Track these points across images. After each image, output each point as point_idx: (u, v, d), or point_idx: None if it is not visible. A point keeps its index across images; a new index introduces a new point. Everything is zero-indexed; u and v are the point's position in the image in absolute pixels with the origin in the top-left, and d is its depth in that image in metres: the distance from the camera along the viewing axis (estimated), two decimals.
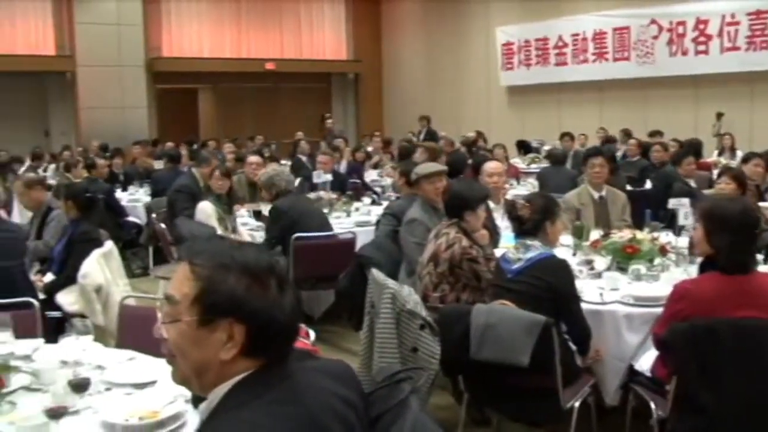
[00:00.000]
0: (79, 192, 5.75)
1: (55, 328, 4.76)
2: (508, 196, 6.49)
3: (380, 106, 22.42)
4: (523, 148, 14.89)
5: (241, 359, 1.67)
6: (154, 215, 8.36)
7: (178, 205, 7.66)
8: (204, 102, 21.78)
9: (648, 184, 9.27)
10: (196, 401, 2.24)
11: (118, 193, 10.20)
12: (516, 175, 10.80)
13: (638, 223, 5.83)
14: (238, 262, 1.68)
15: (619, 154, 11.76)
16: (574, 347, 3.94)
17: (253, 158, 9.09)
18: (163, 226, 7.66)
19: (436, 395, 4.50)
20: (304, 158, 12.09)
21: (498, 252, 4.70)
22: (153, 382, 3.04)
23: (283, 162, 11.52)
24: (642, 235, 5.03)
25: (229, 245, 1.74)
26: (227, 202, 7.10)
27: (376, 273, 4.28)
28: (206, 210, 6.90)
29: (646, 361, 3.85)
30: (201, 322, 1.66)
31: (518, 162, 13.18)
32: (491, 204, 5.63)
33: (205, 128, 20.97)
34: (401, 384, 1.90)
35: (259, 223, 7.24)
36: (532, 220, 4.00)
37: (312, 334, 3.54)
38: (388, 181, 10.19)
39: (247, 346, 1.66)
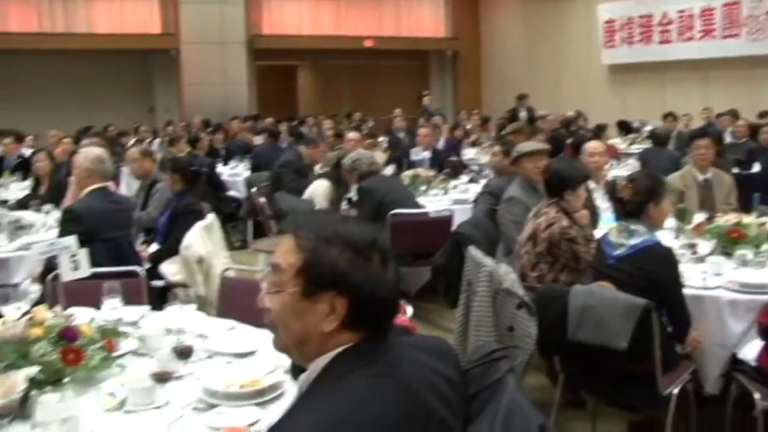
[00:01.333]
0: (184, 165, 5.92)
1: (158, 297, 4.93)
2: (609, 177, 6.36)
3: (478, 84, 22.15)
4: (624, 128, 14.52)
5: (342, 332, 1.69)
6: (254, 189, 8.52)
7: (285, 178, 7.80)
8: (303, 79, 22.03)
9: (756, 167, 8.93)
10: (295, 372, 2.29)
11: (219, 168, 10.42)
12: (615, 155, 10.55)
13: (745, 208, 5.63)
14: (341, 235, 1.70)
15: (726, 136, 11.36)
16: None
17: (352, 134, 9.17)
18: (263, 200, 7.81)
19: (531, 375, 4.46)
20: (400, 135, 12.10)
21: (598, 233, 4.61)
22: (253, 352, 3.11)
23: (380, 139, 11.56)
24: (749, 219, 4.86)
25: (333, 219, 1.77)
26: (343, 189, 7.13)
27: (473, 251, 4.26)
28: (321, 189, 7.00)
29: (751, 350, 3.73)
30: (304, 294, 1.68)
31: (618, 142, 12.87)
32: (591, 184, 5.53)
33: (303, 104, 21.23)
34: (498, 363, 1.89)
35: None
36: (635, 202, 3.87)
37: (409, 311, 3.56)
38: (485, 159, 10.12)
39: (348, 319, 1.68)
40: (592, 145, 6.15)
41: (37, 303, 3.66)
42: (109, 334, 3.03)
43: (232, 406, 2.56)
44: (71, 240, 3.62)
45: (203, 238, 5.24)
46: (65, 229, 4.58)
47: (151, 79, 19.48)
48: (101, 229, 4.65)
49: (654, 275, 3.69)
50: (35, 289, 4.56)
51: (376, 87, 20.93)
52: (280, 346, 1.77)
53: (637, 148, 11.79)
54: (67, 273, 3.57)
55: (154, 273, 5.33)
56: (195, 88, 18.19)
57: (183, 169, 5.77)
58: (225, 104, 17.71)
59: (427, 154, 9.13)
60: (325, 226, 1.73)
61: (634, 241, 3.79)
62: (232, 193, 9.61)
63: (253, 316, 3.34)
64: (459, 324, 4.24)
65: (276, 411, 2.52)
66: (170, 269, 5.37)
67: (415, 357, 1.76)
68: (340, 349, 1.69)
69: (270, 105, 19.17)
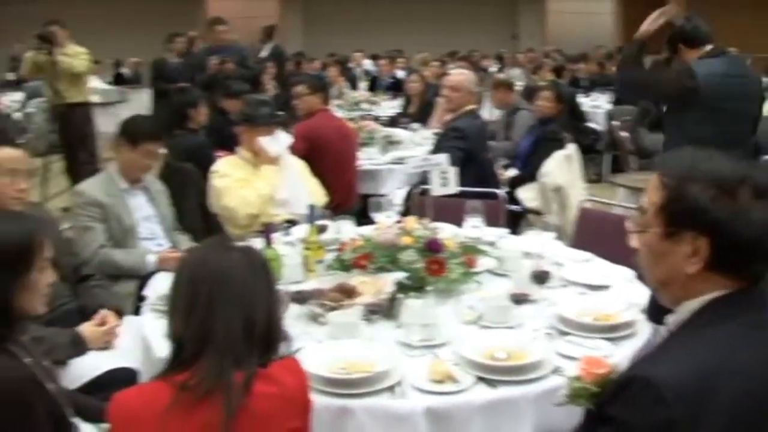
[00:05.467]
0: (565, 92, 5.95)
1: (513, 221, 5.05)
2: None
3: None
4: None
5: (710, 275, 1.61)
6: (615, 122, 8.32)
7: (652, 113, 7.54)
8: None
9: None
10: (651, 313, 2.23)
11: (580, 98, 10.30)
12: None
13: None
14: (706, 171, 1.60)
15: None
16: None
17: None
18: (625, 134, 7.61)
19: None
20: None
21: None
22: (607, 287, 3.08)
23: None
24: None
25: (702, 155, 1.66)
26: None
27: None
28: None
29: None
30: (665, 234, 1.63)
31: None
32: None
33: None
34: None
35: None
36: None
37: None
38: None
39: (713, 261, 1.59)
40: None
41: (403, 214, 3.93)
42: (470, 251, 3.17)
43: (584, 337, 2.56)
44: (443, 157, 3.82)
45: (562, 167, 5.25)
46: (448, 144, 4.82)
47: (517, 5, 19.59)
48: (476, 149, 4.83)
49: None
50: (400, 201, 4.88)
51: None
52: (651, 286, 1.75)
53: None
54: (436, 188, 3.78)
55: (510, 197, 5.45)
56: (559, 16, 18.01)
57: (562, 95, 5.81)
58: (588, 34, 17.36)
59: None
60: (689, 162, 1.64)
61: None
62: (591, 124, 9.47)
63: (609, 250, 3.33)
64: None
65: (627, 348, 2.48)
66: (526, 195, 5.47)
67: None
68: (713, 295, 1.62)
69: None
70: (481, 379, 2.29)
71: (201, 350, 1.73)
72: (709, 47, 4.18)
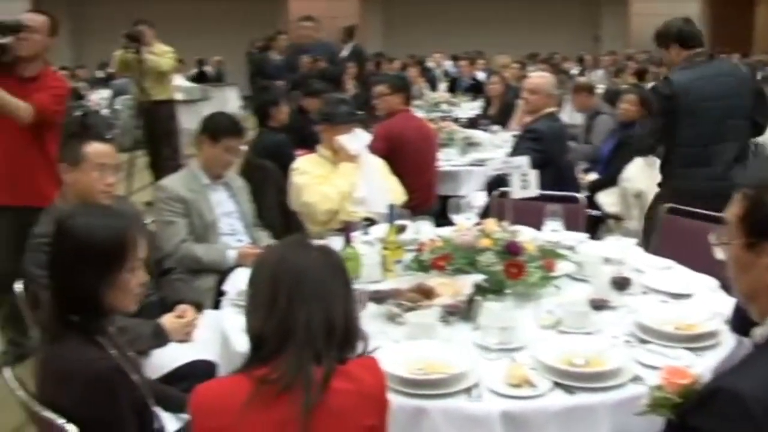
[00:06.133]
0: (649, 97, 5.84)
1: (592, 226, 4.98)
2: None
3: None
4: None
5: None
6: None
7: None
8: (763, 13, 20.25)
9: None
10: (736, 324, 2.18)
11: None
12: None
13: None
14: None
15: None
16: None
17: None
18: None
19: None
20: None
21: None
22: (689, 295, 3.01)
23: None
24: None
25: None
26: None
27: None
28: None
29: None
30: (747, 245, 1.61)
31: None
32: None
33: (759, 40, 19.56)
34: None
35: None
36: None
37: None
38: None
39: None
40: None
41: (482, 215, 3.92)
42: (549, 255, 3.13)
43: (665, 346, 2.50)
44: (524, 160, 3.79)
45: (644, 172, 5.15)
46: (525, 146, 4.81)
47: (599, 7, 19.31)
48: (554, 152, 4.79)
49: None
50: (479, 203, 4.86)
51: None
52: (738, 299, 1.73)
53: None
54: (516, 191, 3.75)
55: (590, 202, 5.37)
56: (644, 18, 17.68)
57: (648, 100, 5.70)
58: None
59: None
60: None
61: None
62: None
63: (692, 259, 3.25)
64: None
65: (710, 359, 2.42)
66: (607, 200, 5.39)
67: None
68: None
69: (722, 39, 17.98)
70: (558, 384, 2.26)
71: (281, 346, 1.75)
72: (699, 50, 4.40)
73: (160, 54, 8.16)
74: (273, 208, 4.68)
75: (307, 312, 1.77)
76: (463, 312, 2.73)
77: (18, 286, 3.05)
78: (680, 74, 4.34)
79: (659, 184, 4.54)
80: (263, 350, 1.77)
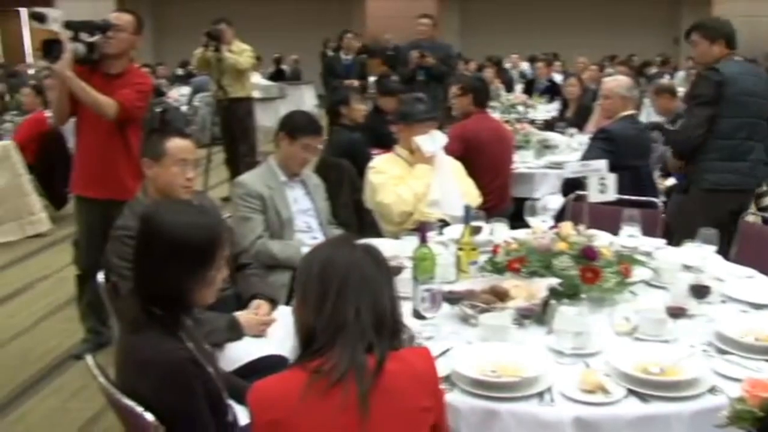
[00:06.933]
0: None
1: (670, 232, 4.87)
2: None
3: None
4: None
5: None
6: None
7: None
8: None
9: None
10: None
11: None
12: None
13: None
14: None
15: None
16: None
17: None
18: None
19: None
20: None
21: None
22: None
23: None
24: None
25: None
26: None
27: None
28: None
29: None
30: None
31: None
32: None
33: None
34: None
35: None
36: None
37: None
38: None
39: None
40: None
41: (557, 218, 3.88)
42: (626, 260, 3.08)
43: (745, 358, 2.45)
44: (602, 163, 3.74)
45: None
46: (595, 147, 4.77)
47: (680, 8, 18.89)
48: (628, 155, 4.71)
49: None
50: (555, 206, 4.81)
51: None
52: None
53: None
54: (594, 194, 3.71)
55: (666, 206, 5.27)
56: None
57: None
58: (757, 38, 16.51)
59: None
60: None
61: None
62: None
63: None
64: None
65: None
66: None
67: None
68: None
69: None
70: (632, 392, 2.23)
71: (332, 340, 1.80)
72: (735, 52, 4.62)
73: (239, 52, 8.29)
74: (348, 206, 4.71)
75: (355, 306, 1.82)
76: (537, 315, 2.71)
77: (100, 276, 3.15)
78: (726, 66, 4.50)
79: (688, 177, 4.66)
80: (315, 344, 1.82)
